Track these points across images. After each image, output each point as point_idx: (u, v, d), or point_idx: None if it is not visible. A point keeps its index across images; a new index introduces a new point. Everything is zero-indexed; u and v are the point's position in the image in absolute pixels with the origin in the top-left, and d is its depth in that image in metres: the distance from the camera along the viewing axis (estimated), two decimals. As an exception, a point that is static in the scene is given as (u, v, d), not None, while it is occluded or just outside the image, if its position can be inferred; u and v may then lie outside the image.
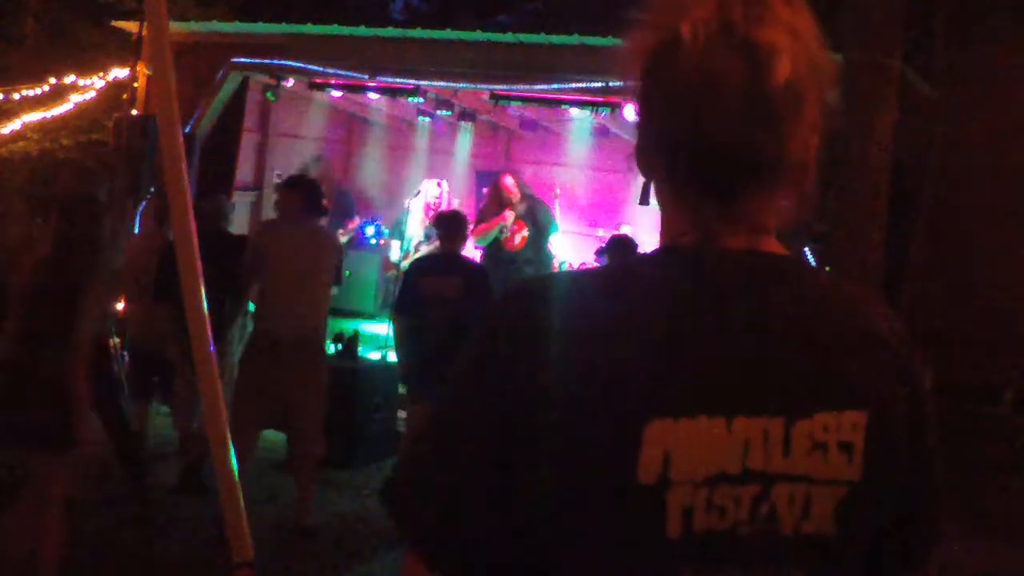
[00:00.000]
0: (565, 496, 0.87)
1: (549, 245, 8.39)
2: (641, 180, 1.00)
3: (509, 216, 8.06)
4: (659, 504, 0.86)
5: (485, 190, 9.29)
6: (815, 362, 0.90)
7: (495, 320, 0.95)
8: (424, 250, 8.85)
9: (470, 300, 5.50)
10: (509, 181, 8.22)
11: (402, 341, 5.71)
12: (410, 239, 9.76)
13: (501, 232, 8.06)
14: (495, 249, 8.05)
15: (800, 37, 0.90)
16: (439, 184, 9.98)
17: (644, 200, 1.00)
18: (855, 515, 0.91)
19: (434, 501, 0.90)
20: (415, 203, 9.50)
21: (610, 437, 0.86)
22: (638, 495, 0.86)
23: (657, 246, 0.98)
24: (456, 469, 0.90)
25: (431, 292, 5.49)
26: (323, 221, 6.20)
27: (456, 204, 10.06)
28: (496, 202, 8.24)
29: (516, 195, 8.07)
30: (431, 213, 9.63)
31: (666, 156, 0.93)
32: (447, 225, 5.76)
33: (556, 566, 0.88)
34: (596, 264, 9.04)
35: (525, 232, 8.06)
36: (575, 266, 9.13)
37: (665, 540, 0.86)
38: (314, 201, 5.40)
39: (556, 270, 8.86)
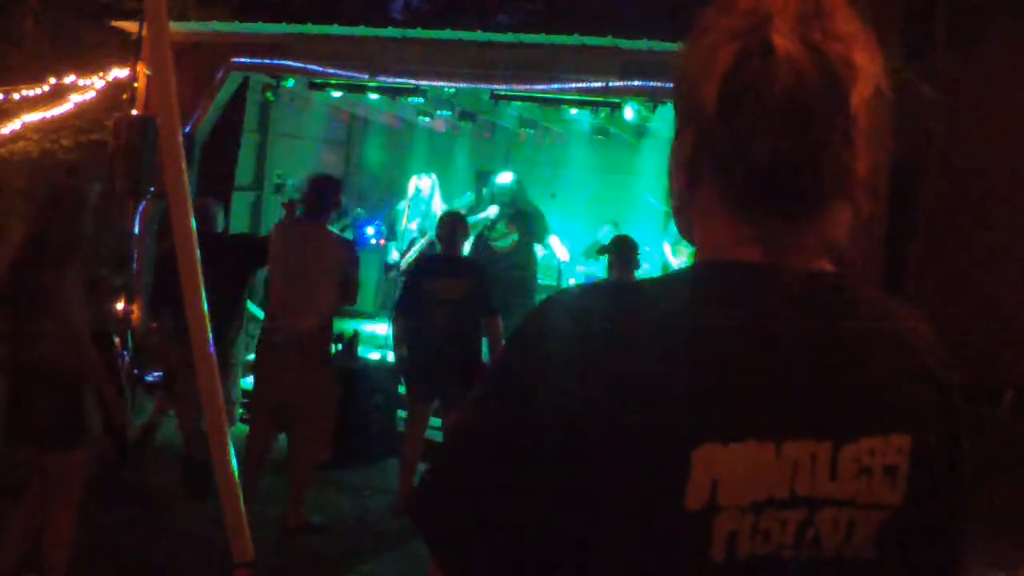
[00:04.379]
0: (603, 516, 0.83)
1: (539, 252, 8.38)
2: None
3: (492, 210, 8.05)
4: (705, 529, 0.84)
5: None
6: (862, 386, 0.90)
7: (531, 333, 0.91)
8: (418, 247, 8.82)
9: (472, 302, 5.50)
10: (501, 180, 8.24)
11: (402, 342, 5.71)
12: (405, 235, 9.70)
13: (487, 229, 8.06)
14: (482, 247, 8.06)
15: (874, 57, 0.90)
16: (429, 178, 9.84)
17: (679, 212, 0.98)
18: (894, 539, 0.90)
19: (460, 514, 0.88)
20: (407, 202, 9.47)
21: (657, 461, 0.83)
22: (684, 520, 0.83)
23: (702, 258, 0.95)
24: (481, 482, 0.87)
25: (433, 294, 5.49)
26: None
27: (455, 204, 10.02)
28: (488, 198, 8.31)
29: (506, 195, 8.07)
30: (423, 208, 9.56)
31: (738, 170, 0.89)
32: (448, 227, 5.76)
33: None
34: (592, 265, 9.06)
35: (514, 237, 8.06)
36: (570, 266, 9.12)
37: (709, 564, 0.84)
38: (319, 199, 5.20)
39: (561, 281, 8.89)
